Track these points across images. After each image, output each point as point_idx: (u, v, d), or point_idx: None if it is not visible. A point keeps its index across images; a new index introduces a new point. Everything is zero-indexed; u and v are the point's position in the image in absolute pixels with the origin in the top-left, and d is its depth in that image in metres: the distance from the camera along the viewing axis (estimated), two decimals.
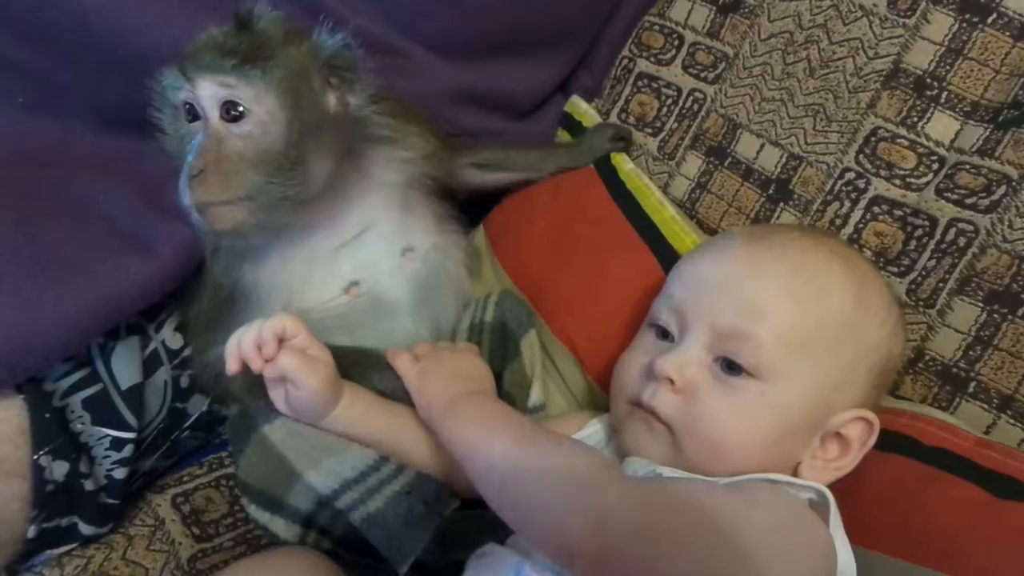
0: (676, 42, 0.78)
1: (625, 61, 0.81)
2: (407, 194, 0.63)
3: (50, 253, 0.58)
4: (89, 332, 0.58)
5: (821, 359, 0.49)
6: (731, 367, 0.49)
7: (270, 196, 0.54)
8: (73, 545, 0.61)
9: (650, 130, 0.78)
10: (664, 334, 0.54)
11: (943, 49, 0.62)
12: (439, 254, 0.64)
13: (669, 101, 0.78)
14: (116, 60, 0.64)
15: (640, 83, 0.80)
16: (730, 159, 0.72)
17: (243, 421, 0.58)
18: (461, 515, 0.53)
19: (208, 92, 0.54)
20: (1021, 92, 0.58)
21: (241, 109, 0.53)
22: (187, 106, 0.55)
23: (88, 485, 0.60)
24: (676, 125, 0.77)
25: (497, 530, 0.50)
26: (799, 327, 0.49)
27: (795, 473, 0.50)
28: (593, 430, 0.58)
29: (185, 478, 0.68)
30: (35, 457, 0.56)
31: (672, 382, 0.50)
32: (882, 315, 0.52)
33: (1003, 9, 0.60)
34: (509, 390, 0.63)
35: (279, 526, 0.56)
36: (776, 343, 0.49)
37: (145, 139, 0.63)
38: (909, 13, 0.64)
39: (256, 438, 0.56)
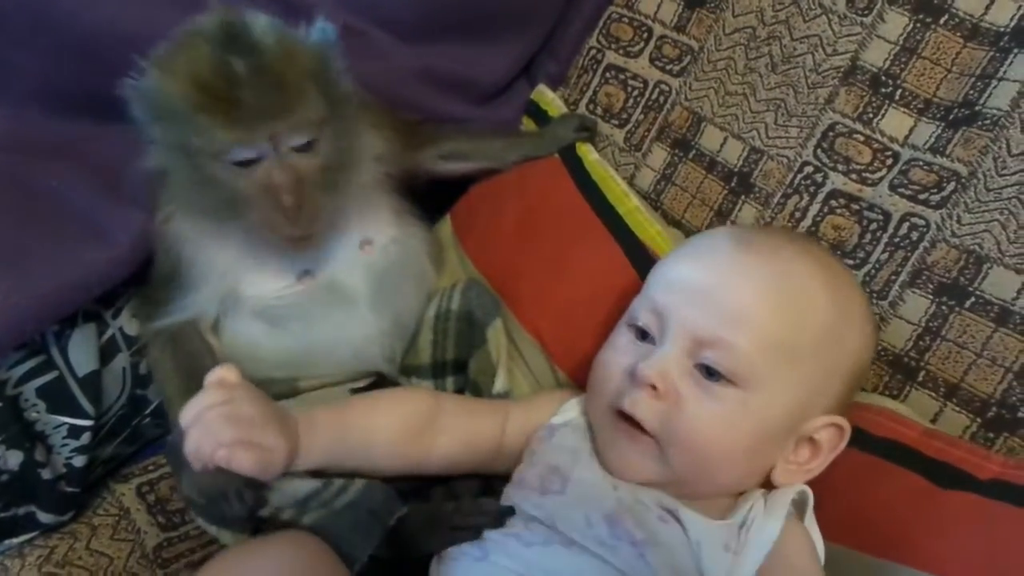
0: (645, 35, 0.79)
1: (594, 52, 0.81)
2: (365, 192, 0.63)
3: (2, 241, 0.57)
4: (43, 320, 0.57)
5: (801, 367, 0.50)
6: (711, 373, 0.49)
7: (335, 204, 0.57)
8: (33, 534, 0.61)
9: (617, 121, 0.79)
10: (643, 335, 0.53)
11: (898, 48, 0.64)
12: (399, 247, 0.64)
13: (636, 93, 0.78)
14: (70, 41, 0.63)
15: (608, 74, 0.80)
16: (694, 151, 0.74)
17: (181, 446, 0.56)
18: (412, 512, 0.52)
19: (289, 141, 0.53)
20: (971, 92, 0.60)
21: (312, 140, 0.54)
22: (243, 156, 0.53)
23: (45, 474, 0.59)
24: (642, 117, 0.78)
25: (445, 527, 0.50)
26: (780, 335, 0.49)
27: (769, 476, 0.51)
28: (571, 416, 0.57)
29: (150, 467, 0.68)
30: None
31: (654, 388, 0.50)
32: (859, 325, 0.53)
33: (954, 10, 0.61)
34: (475, 378, 0.64)
35: (227, 537, 0.55)
36: (757, 351, 0.49)
37: (100, 124, 0.62)
38: (866, 12, 0.65)
39: None
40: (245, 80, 0.50)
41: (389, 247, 0.64)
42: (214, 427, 0.46)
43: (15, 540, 0.60)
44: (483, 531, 0.48)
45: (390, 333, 0.64)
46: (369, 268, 0.62)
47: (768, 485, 0.52)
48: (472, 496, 0.58)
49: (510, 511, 0.49)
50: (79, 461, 0.61)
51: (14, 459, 0.58)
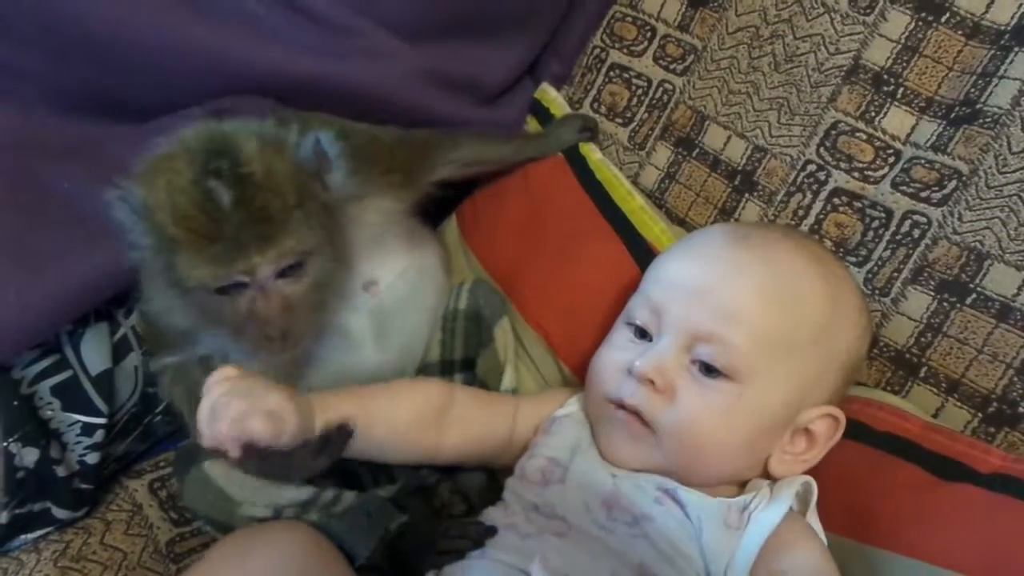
0: (648, 34, 0.79)
1: (598, 51, 0.82)
2: (370, 235, 0.61)
3: (15, 242, 0.58)
4: (56, 321, 0.58)
5: (796, 361, 0.51)
6: (708, 369, 0.50)
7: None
8: (48, 529, 0.62)
9: (621, 120, 0.80)
10: (642, 333, 0.54)
11: (900, 46, 0.64)
12: (405, 280, 0.63)
13: (640, 92, 0.79)
14: (78, 43, 0.63)
15: (612, 73, 0.81)
16: (698, 150, 0.74)
17: (188, 454, 0.56)
18: (407, 528, 0.53)
19: (268, 272, 0.50)
20: (972, 90, 0.61)
21: (297, 262, 0.51)
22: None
23: (60, 471, 0.60)
24: (646, 116, 0.78)
25: (433, 549, 0.51)
26: (775, 330, 0.50)
27: (766, 466, 0.52)
28: (573, 410, 0.58)
29: (162, 464, 0.69)
30: (4, 444, 0.57)
31: (652, 383, 0.51)
32: (853, 318, 0.53)
33: (956, 8, 0.62)
34: (483, 376, 0.65)
35: None
36: (752, 346, 0.50)
37: (110, 125, 0.63)
38: (868, 11, 0.66)
39: (196, 471, 0.54)
40: (226, 213, 0.48)
41: (395, 283, 0.62)
42: (222, 409, 0.47)
43: (30, 536, 0.61)
44: (466, 553, 0.50)
45: (397, 365, 0.64)
46: (374, 309, 0.61)
47: (767, 475, 0.53)
48: (477, 491, 0.59)
49: (492, 531, 0.50)
50: (92, 458, 0.62)
51: (30, 456, 0.59)
